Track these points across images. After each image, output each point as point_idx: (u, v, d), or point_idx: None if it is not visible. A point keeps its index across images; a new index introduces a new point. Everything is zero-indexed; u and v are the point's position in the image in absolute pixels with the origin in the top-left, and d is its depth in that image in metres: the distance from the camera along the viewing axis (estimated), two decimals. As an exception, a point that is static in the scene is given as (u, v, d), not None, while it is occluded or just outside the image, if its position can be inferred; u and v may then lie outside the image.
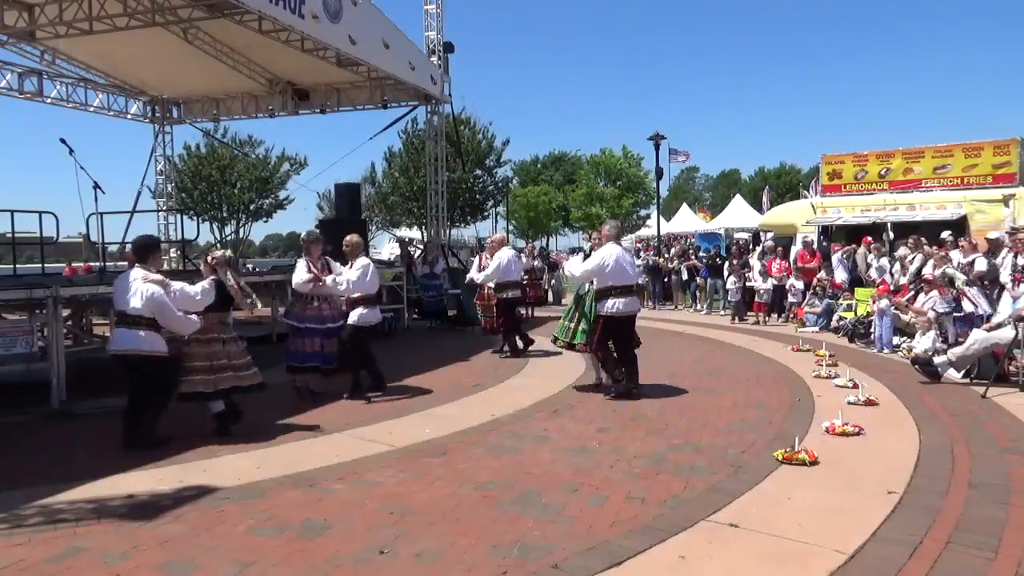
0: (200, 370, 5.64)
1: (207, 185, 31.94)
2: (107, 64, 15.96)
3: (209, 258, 6.05)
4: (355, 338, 7.22)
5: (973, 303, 9.16)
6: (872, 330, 10.33)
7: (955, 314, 9.19)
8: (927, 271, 10.36)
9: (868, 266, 13.01)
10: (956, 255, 10.43)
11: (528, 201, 36.61)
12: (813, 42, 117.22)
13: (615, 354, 7.08)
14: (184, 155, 31.55)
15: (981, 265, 9.55)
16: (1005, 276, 9.04)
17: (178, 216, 20.30)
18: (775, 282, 13.90)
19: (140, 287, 5.40)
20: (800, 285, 13.79)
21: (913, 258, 11.33)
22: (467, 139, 28.32)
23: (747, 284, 14.11)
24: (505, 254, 10.07)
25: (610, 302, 6.90)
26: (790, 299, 13.88)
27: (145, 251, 5.71)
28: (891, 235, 16.02)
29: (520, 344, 10.09)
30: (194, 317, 5.58)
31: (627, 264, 7.13)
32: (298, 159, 33.77)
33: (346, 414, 6.55)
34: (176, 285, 5.57)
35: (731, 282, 14.15)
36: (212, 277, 5.82)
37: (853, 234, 16.07)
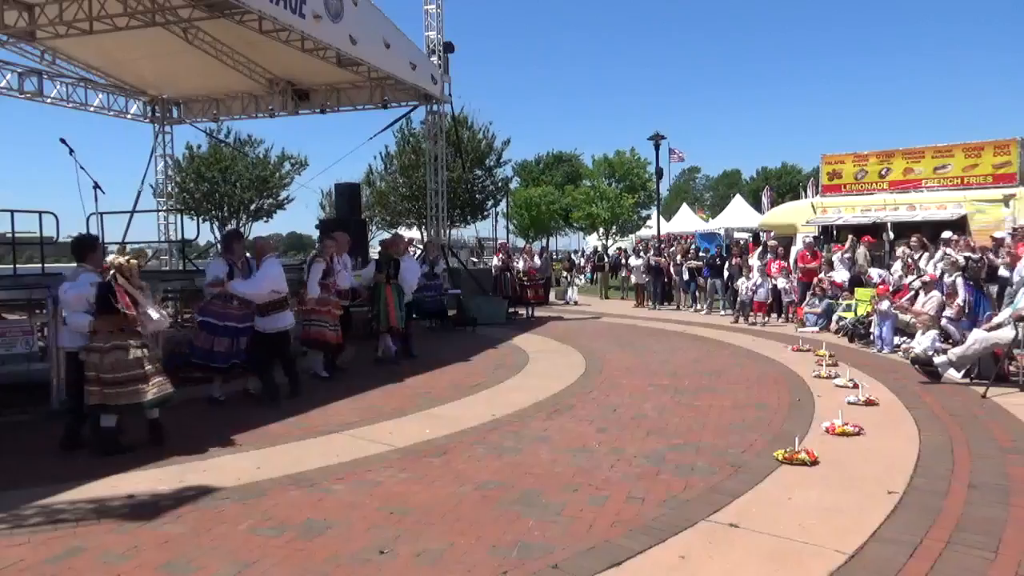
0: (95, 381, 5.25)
1: (209, 186, 32.05)
2: (107, 64, 15.95)
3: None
4: None
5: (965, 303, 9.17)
6: (872, 330, 10.33)
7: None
8: (930, 270, 10.36)
9: (868, 265, 13.01)
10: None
11: (529, 202, 36.64)
12: (814, 42, 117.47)
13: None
14: (187, 154, 31.69)
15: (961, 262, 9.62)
16: (1018, 275, 9.03)
17: (178, 216, 20.31)
18: (773, 282, 13.90)
19: None
20: (782, 284, 13.79)
21: (921, 256, 11.30)
22: (467, 139, 28.32)
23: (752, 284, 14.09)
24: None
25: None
26: (784, 299, 13.89)
27: (83, 250, 5.61)
28: (891, 235, 16.03)
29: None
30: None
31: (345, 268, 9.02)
32: (299, 159, 33.87)
33: (346, 414, 6.55)
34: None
35: (740, 283, 14.12)
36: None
37: (853, 234, 16.06)
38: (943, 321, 9.13)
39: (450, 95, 16.86)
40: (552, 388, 7.60)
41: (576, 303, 19.40)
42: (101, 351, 5.27)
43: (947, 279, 9.53)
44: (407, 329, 9.95)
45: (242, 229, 32.74)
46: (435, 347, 10.91)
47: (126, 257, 5.48)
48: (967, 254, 9.87)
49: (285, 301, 7.32)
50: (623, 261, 22.56)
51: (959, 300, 9.07)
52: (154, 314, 5.50)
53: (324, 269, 8.37)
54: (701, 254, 17.57)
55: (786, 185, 47.84)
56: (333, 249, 8.67)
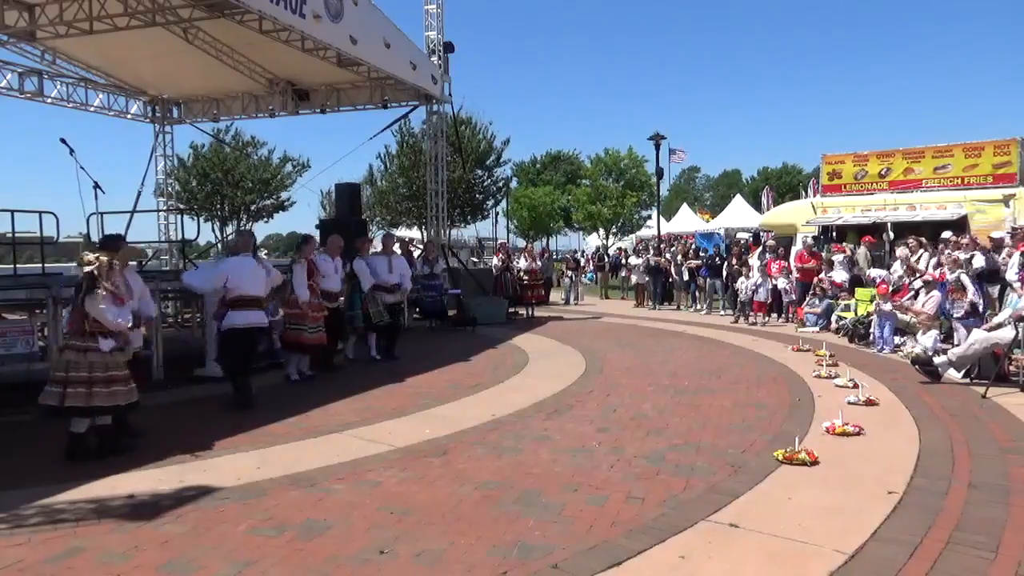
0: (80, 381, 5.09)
1: (212, 187, 32.15)
2: (107, 64, 15.94)
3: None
4: None
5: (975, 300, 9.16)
6: (872, 330, 10.32)
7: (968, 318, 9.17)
8: (931, 269, 10.35)
9: (868, 265, 12.99)
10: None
11: (531, 202, 36.65)
12: (814, 42, 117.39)
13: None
14: (191, 154, 31.77)
15: (979, 261, 9.56)
16: (1012, 275, 9.02)
17: (178, 216, 20.31)
18: (773, 282, 13.90)
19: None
20: (782, 284, 13.79)
21: (920, 257, 11.29)
22: (467, 139, 28.31)
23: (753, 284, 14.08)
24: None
25: None
26: (784, 299, 13.88)
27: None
28: (891, 235, 16.01)
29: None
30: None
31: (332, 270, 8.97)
32: (300, 160, 33.93)
33: (346, 414, 6.55)
34: None
35: (740, 282, 14.12)
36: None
37: (853, 233, 16.06)
38: (954, 323, 9.10)
39: (450, 95, 16.85)
40: (552, 388, 7.60)
41: (577, 304, 19.40)
42: (68, 348, 5.22)
43: (950, 276, 9.52)
44: (390, 330, 9.81)
45: (243, 228, 32.82)
46: (435, 347, 10.91)
47: (96, 254, 5.26)
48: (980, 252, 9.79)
49: (247, 301, 6.92)
50: (623, 261, 22.55)
51: (970, 296, 9.05)
52: (116, 311, 5.14)
53: (307, 271, 8.28)
54: (701, 254, 17.56)
55: (786, 185, 47.89)
56: (312, 251, 8.60)
